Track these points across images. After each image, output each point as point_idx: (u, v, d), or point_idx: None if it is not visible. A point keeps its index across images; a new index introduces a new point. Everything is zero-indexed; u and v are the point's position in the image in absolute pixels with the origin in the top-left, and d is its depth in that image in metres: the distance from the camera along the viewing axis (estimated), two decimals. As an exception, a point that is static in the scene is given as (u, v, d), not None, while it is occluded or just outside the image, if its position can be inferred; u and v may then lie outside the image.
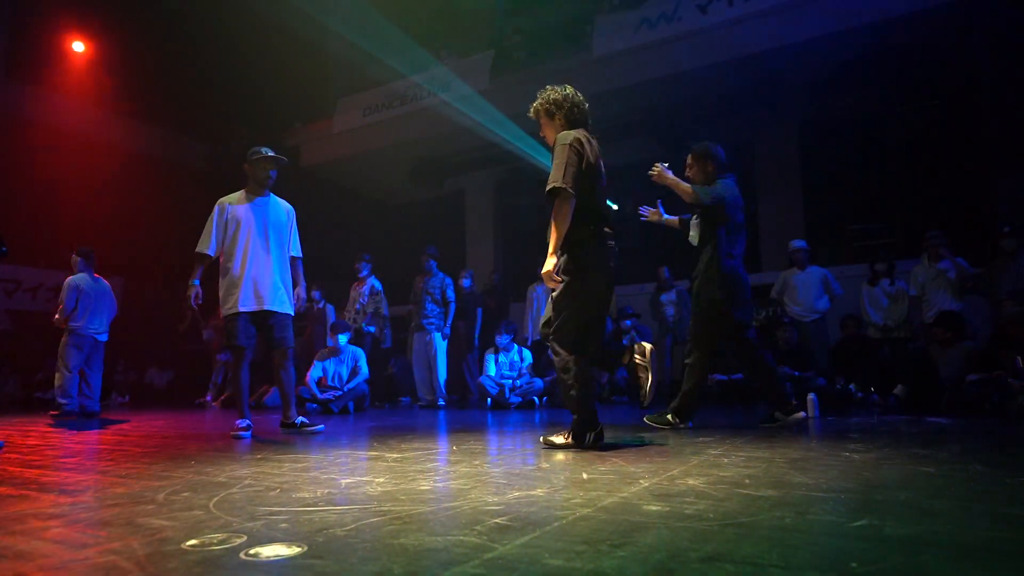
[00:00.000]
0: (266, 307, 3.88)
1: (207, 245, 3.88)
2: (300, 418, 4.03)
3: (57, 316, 6.16)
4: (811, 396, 4.50)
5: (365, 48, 9.44)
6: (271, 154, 4.00)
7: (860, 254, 7.78)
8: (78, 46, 10.36)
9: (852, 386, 5.38)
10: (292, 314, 4.05)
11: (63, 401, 6.02)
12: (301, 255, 4.19)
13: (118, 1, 10.19)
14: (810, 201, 8.72)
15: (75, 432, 4.40)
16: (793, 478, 1.95)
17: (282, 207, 4.12)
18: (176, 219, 10.06)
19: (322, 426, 4.09)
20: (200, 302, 3.85)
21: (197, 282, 3.84)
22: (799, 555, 1.15)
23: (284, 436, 3.84)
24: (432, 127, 9.39)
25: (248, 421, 3.83)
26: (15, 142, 9.34)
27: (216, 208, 3.96)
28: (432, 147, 10.04)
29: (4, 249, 3.70)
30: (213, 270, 3.99)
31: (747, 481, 1.91)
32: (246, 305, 3.83)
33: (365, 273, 7.43)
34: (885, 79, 7.53)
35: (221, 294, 3.89)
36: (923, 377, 4.90)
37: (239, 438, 3.66)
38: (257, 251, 3.89)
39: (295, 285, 4.13)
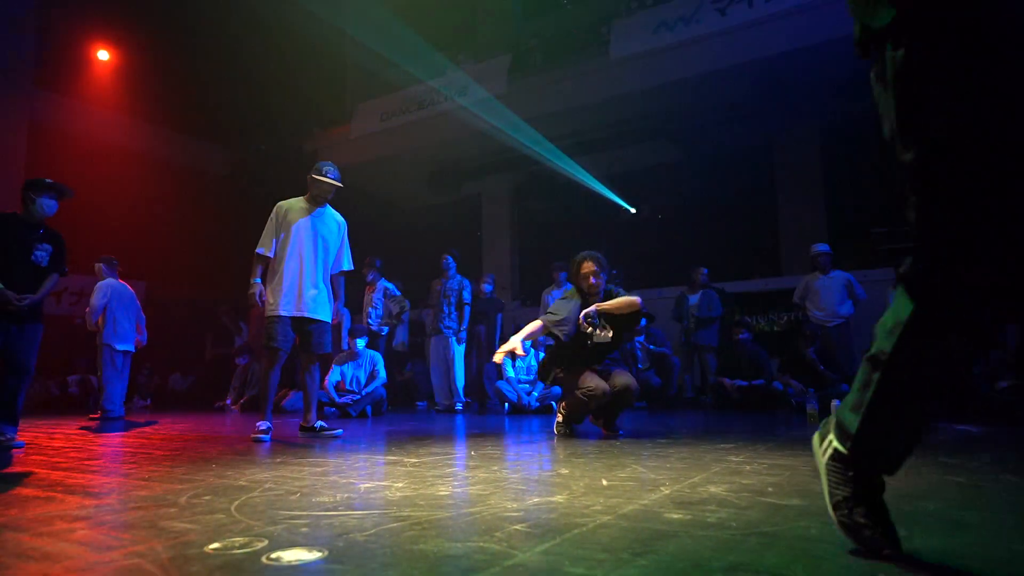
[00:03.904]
0: (307, 314, 3.96)
1: (267, 246, 3.99)
2: (319, 422, 4.07)
3: (86, 319, 6.31)
4: (835, 403, 4.42)
5: (382, 53, 9.52)
6: (333, 176, 4.12)
7: (885, 258, 7.63)
8: (103, 54, 10.56)
9: None
10: (331, 323, 4.14)
11: (108, 407, 6.16)
12: (352, 268, 4.31)
13: (141, 9, 10.38)
14: (832, 204, 8.58)
15: (99, 435, 4.48)
16: (818, 487, 1.89)
17: (335, 220, 4.24)
18: (197, 224, 10.21)
19: (341, 430, 4.11)
20: (264, 299, 3.93)
21: (259, 280, 3.95)
22: (825, 567, 1.13)
23: (303, 440, 3.86)
24: (449, 132, 9.42)
25: (269, 424, 3.85)
26: (40, 148, 9.54)
27: (275, 210, 4.08)
28: (449, 152, 10.08)
29: (65, 268, 3.89)
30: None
31: (770, 489, 1.88)
32: (287, 309, 3.91)
33: (372, 278, 7.47)
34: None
35: (268, 295, 3.98)
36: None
37: (259, 441, 3.68)
38: (306, 258, 3.99)
39: (335, 299, 4.23)
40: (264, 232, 4.04)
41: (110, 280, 6.42)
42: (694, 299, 7.21)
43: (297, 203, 4.12)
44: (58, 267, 3.86)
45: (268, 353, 3.95)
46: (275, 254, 4.00)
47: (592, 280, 3.94)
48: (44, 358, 7.94)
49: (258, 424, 3.82)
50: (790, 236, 8.69)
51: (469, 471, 2.40)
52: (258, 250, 4.00)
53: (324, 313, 4.06)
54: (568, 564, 1.14)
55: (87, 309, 6.34)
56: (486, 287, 7.56)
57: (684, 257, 8.33)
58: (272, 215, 4.07)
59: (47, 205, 3.77)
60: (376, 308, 7.43)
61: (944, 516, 1.54)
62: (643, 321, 7.09)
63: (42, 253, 3.75)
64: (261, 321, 4.13)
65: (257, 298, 3.92)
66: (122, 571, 1.17)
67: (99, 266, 6.53)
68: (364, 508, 1.68)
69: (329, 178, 4.10)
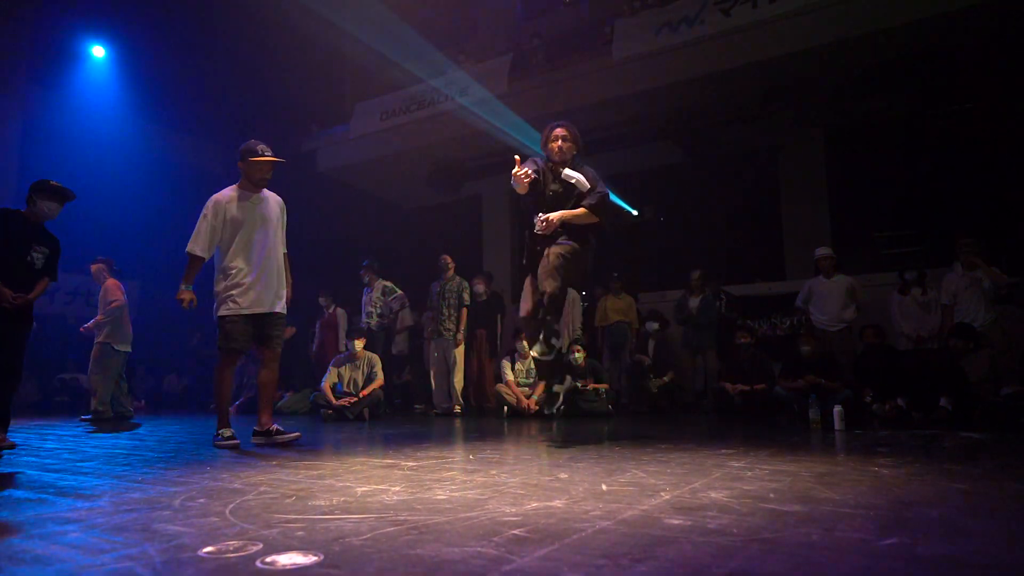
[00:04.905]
0: (268, 309, 3.75)
1: (203, 246, 3.67)
2: (275, 424, 3.80)
3: (100, 319, 6.23)
4: (837, 408, 4.40)
5: (382, 52, 9.50)
6: (269, 155, 3.84)
7: (889, 262, 7.61)
8: (98, 51, 10.54)
9: (875, 405, 5.27)
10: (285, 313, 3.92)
11: (100, 409, 6.13)
12: (285, 251, 4.03)
13: (137, 5, 10.36)
14: (836, 207, 8.54)
15: (92, 436, 4.46)
16: (819, 493, 1.90)
17: (274, 203, 3.95)
18: (192, 223, 10.16)
19: (297, 431, 3.83)
20: (194, 307, 3.68)
21: (193, 287, 3.67)
22: (827, 574, 1.12)
23: (259, 444, 3.64)
24: (449, 131, 9.40)
25: (231, 430, 3.62)
26: (35, 147, 9.52)
27: (211, 206, 3.72)
28: (449, 151, 10.06)
29: (56, 276, 3.88)
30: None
31: (771, 495, 1.86)
32: (253, 307, 3.68)
33: (370, 278, 7.44)
34: (915, 82, 7.37)
35: (218, 292, 3.70)
36: (961, 389, 4.79)
37: (231, 447, 3.45)
38: (259, 251, 3.75)
39: (287, 281, 3.98)
40: (199, 232, 3.67)
41: (115, 281, 6.39)
42: (695, 303, 7.18)
43: (235, 194, 3.80)
44: (51, 272, 3.81)
45: (228, 356, 3.69)
46: (224, 252, 3.71)
47: (560, 144, 3.58)
48: (38, 358, 7.96)
49: (221, 431, 3.57)
50: (793, 240, 8.67)
51: (467, 475, 2.38)
52: (196, 251, 3.65)
53: (281, 305, 3.85)
54: (567, 570, 1.13)
55: (103, 313, 6.22)
56: (478, 288, 7.49)
57: (686, 260, 8.31)
58: (209, 213, 3.70)
59: (50, 208, 3.74)
60: (376, 308, 7.42)
61: (948, 523, 1.53)
62: (656, 325, 7.14)
63: (38, 255, 3.71)
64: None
65: (188, 305, 3.65)
66: (114, 575, 1.15)
67: (100, 267, 6.44)
68: (360, 512, 1.67)
69: (270, 155, 3.81)
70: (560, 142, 3.60)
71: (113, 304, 6.23)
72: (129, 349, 6.47)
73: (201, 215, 3.72)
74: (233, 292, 3.66)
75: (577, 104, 8.49)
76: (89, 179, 9.70)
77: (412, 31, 9.33)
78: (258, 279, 3.72)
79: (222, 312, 3.68)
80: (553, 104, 8.62)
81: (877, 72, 7.25)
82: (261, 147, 3.84)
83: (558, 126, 3.68)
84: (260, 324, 3.76)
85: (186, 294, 3.65)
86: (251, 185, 3.84)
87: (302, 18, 9.73)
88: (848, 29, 6.64)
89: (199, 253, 3.67)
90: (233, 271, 3.70)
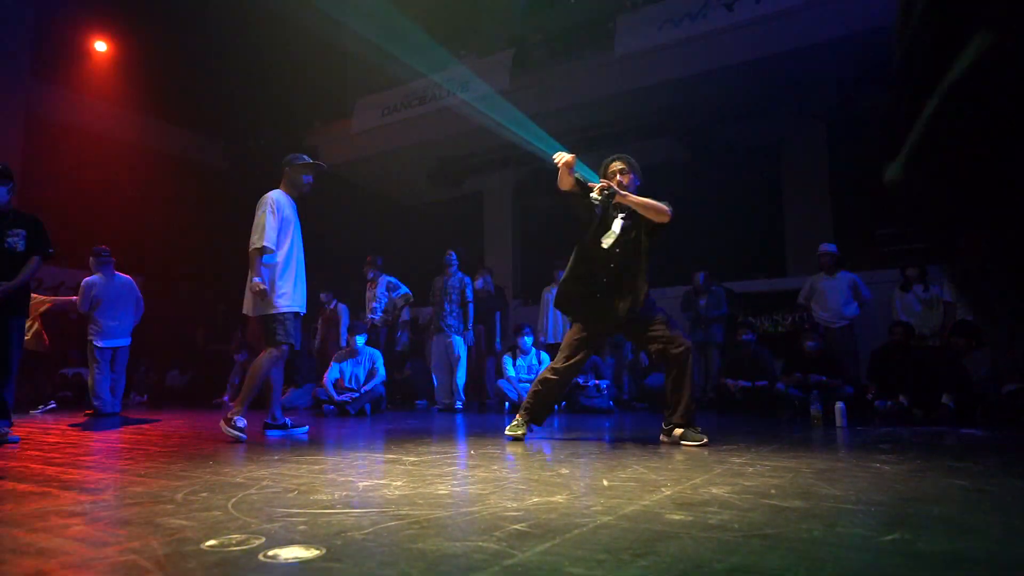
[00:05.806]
0: (304, 310, 4.01)
1: (271, 238, 3.78)
2: (287, 418, 4.10)
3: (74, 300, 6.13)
4: (839, 405, 4.40)
5: (384, 47, 9.48)
6: (311, 160, 4.12)
7: (891, 259, 7.60)
8: (100, 45, 10.53)
9: (878, 402, 5.27)
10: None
11: (97, 404, 6.08)
12: None
13: (140, 1, 10.35)
14: (839, 204, 8.54)
15: (95, 431, 4.46)
16: (821, 489, 1.90)
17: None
18: (196, 218, 10.18)
19: (307, 427, 4.12)
20: (275, 295, 3.79)
21: (260, 279, 3.73)
22: (828, 569, 1.12)
23: (275, 439, 3.74)
24: (451, 127, 9.39)
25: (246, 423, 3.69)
26: (38, 141, 9.52)
27: (272, 203, 3.86)
28: (451, 147, 10.05)
29: (51, 250, 3.81)
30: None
31: (773, 491, 1.86)
32: (301, 306, 3.93)
33: (372, 275, 7.45)
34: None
35: (277, 286, 3.80)
36: (963, 386, 4.79)
37: (237, 440, 3.50)
38: (300, 253, 4.01)
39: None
40: (266, 226, 3.76)
41: (95, 277, 6.14)
42: (703, 301, 7.17)
43: (283, 196, 3.98)
44: (39, 249, 3.71)
45: (282, 350, 3.82)
46: (278, 250, 3.85)
47: (618, 179, 3.63)
48: (41, 353, 7.94)
49: (237, 419, 3.60)
50: (796, 236, 8.66)
51: (468, 470, 2.38)
52: (264, 244, 3.74)
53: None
54: (568, 564, 1.13)
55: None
56: (477, 284, 7.50)
57: (688, 256, 8.30)
58: (272, 207, 3.83)
59: None
60: (380, 303, 7.42)
61: (949, 520, 1.53)
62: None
63: (16, 239, 3.60)
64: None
65: (262, 293, 3.72)
66: (117, 567, 1.16)
67: (91, 260, 6.33)
68: (362, 506, 1.67)
69: (309, 160, 4.08)
70: (619, 176, 3.65)
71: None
72: (115, 344, 6.24)
73: (263, 211, 3.84)
74: (287, 291, 3.84)
75: (579, 100, 8.48)
76: (91, 173, 9.75)
77: (414, 26, 9.31)
78: (299, 280, 3.95)
79: (284, 309, 3.82)
80: (555, 100, 8.61)
81: (880, 67, 7.22)
82: (304, 156, 4.13)
83: (617, 159, 3.73)
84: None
85: (261, 287, 3.71)
86: (294, 191, 4.06)
87: (304, 13, 9.71)
88: (851, 24, 6.61)
89: (265, 244, 3.76)
90: (287, 271, 3.88)
